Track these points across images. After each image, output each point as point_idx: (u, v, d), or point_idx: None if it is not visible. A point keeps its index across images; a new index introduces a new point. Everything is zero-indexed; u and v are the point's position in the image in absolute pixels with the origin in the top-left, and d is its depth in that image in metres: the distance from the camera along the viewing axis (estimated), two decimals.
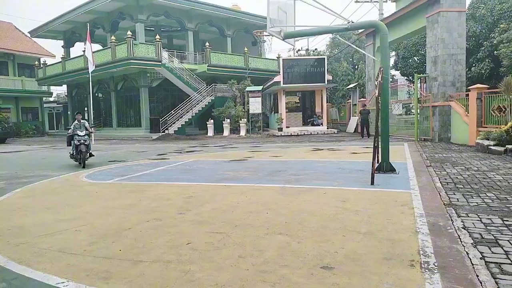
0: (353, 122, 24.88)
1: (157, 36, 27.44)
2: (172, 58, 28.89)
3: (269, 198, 6.30)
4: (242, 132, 25.66)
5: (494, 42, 18.99)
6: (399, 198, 5.91)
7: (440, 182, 7.12)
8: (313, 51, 34.23)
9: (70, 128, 11.65)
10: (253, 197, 6.44)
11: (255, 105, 25.38)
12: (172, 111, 27.37)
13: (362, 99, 23.91)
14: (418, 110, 17.03)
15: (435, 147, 13.55)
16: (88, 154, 11.48)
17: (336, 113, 30.71)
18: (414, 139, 16.81)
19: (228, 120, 26.04)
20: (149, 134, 27.10)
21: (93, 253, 3.96)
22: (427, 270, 3.21)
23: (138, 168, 10.74)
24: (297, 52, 32.39)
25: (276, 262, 3.52)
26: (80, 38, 34.43)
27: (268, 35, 11.14)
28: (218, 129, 26.86)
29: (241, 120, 25.96)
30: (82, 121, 11.63)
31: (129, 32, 25.97)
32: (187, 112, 27.33)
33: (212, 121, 26.58)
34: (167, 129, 26.19)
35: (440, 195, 6.03)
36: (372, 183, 7.08)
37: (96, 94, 33.42)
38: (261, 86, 26.81)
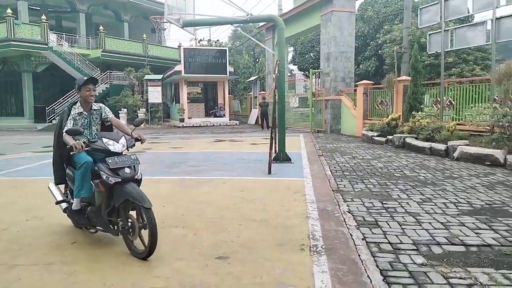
0: (254, 114, 25.48)
1: (43, 17, 24.84)
2: (61, 41, 26.44)
3: (168, 190, 6.10)
4: None
5: (379, 42, 20.91)
6: (293, 186, 6.18)
7: (330, 170, 7.63)
8: (215, 42, 34.13)
9: None
10: (150, 190, 6.13)
11: (155, 95, 24.52)
12: (60, 99, 25.06)
13: (262, 91, 24.58)
14: (313, 104, 18.08)
15: (327, 138, 14.52)
16: None
17: (238, 105, 31.16)
18: (309, 131, 17.81)
19: (125, 110, 24.68)
20: (34, 124, 24.54)
21: None
22: (315, 253, 3.39)
23: (18, 162, 9.61)
24: (199, 42, 31.96)
25: (171, 256, 3.41)
26: None
27: (167, 22, 10.79)
28: None
29: (139, 110, 24.84)
30: None
31: (9, 10, 23.04)
32: (78, 100, 25.22)
33: (125, 110, 24.48)
34: (54, 118, 23.92)
35: (329, 182, 6.45)
36: (269, 172, 7.31)
37: None
38: (161, 75, 25.99)
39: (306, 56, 29.17)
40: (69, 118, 3.89)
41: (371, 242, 3.69)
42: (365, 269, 3.05)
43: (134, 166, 3.52)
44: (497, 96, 8.87)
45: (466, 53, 16.84)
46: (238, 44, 40.41)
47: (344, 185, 6.26)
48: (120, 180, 3.36)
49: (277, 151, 8.76)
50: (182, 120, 24.23)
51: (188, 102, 24.96)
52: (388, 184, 6.25)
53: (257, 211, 4.77)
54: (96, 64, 27.51)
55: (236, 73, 29.98)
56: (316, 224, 4.20)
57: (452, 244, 3.62)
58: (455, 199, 5.24)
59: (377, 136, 12.25)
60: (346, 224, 4.20)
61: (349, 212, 4.70)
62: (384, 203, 5.09)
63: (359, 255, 3.34)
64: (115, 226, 3.54)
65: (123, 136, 3.69)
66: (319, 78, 18.62)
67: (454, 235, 3.84)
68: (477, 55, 17.21)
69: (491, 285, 2.80)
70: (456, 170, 7.33)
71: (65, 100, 24.83)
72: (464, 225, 4.13)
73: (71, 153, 3.69)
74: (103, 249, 3.63)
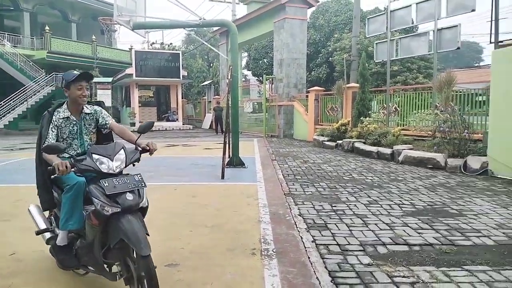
0: (208, 118, 25.33)
1: None
2: (3, 41, 24.91)
3: None
4: None
5: (330, 49, 21.57)
6: (246, 191, 6.19)
7: (283, 174, 7.73)
8: (168, 46, 33.63)
9: None
10: None
11: (104, 98, 23.68)
12: (1, 102, 23.56)
13: (216, 96, 24.50)
14: (267, 109, 18.27)
15: (280, 143, 14.71)
16: None
17: (192, 109, 30.84)
18: (263, 136, 17.95)
19: None
20: None
21: None
22: (266, 257, 3.40)
23: None
24: (151, 45, 31.37)
25: None
26: None
27: (117, 24, 10.48)
28: None
29: None
30: None
31: None
32: (21, 103, 23.89)
33: None
34: None
35: (281, 186, 6.53)
36: (223, 177, 7.28)
37: None
38: (111, 78, 25.20)
39: (260, 62, 29.49)
40: (50, 126, 2.97)
41: (321, 244, 3.77)
42: (314, 271, 3.10)
43: (138, 190, 2.60)
44: (438, 103, 9.41)
45: (410, 62, 17.78)
46: (192, 48, 40.07)
47: (296, 189, 6.35)
48: (119, 210, 2.46)
49: (230, 156, 8.75)
50: (133, 124, 23.53)
51: (139, 106, 24.37)
52: (337, 187, 6.42)
53: (209, 217, 4.73)
54: (41, 66, 26.16)
55: (190, 77, 29.71)
56: (267, 228, 4.23)
57: (396, 244, 3.77)
58: (400, 200, 5.48)
59: (328, 141, 12.58)
60: (296, 227, 4.26)
61: (300, 215, 4.77)
62: (334, 206, 5.22)
63: (308, 258, 3.39)
64: (112, 268, 2.79)
65: (123, 149, 2.76)
66: (272, 83, 18.85)
67: (398, 235, 4.01)
68: (420, 64, 18.23)
69: (432, 282, 2.94)
70: (401, 173, 7.67)
71: (6, 103, 23.35)
72: (408, 226, 4.32)
73: (52, 176, 2.81)
74: (46, 261, 3.42)
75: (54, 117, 3.00)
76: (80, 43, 29.16)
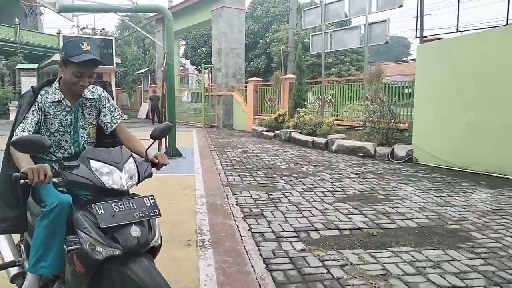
0: (144, 108, 24.53)
1: None
2: None
3: None
4: (13, 117, 21.89)
5: (268, 40, 21.75)
6: (183, 182, 6.09)
7: (221, 164, 7.71)
8: (100, 31, 31.90)
9: None
10: None
11: (29, 86, 22.03)
12: None
13: (153, 85, 23.74)
14: (206, 99, 18.07)
15: (220, 133, 14.66)
16: None
17: (127, 98, 29.66)
18: (202, 126, 17.76)
19: None
20: None
21: None
22: (202, 247, 3.38)
23: None
24: (81, 30, 29.55)
25: None
26: None
27: (41, 6, 9.69)
28: None
29: (10, 102, 22.05)
30: None
31: None
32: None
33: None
34: None
35: (220, 176, 6.51)
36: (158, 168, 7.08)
37: None
38: (37, 64, 23.43)
39: (199, 50, 29.03)
40: (31, 110, 2.07)
41: (256, 232, 3.82)
42: (249, 259, 3.14)
43: (149, 221, 1.76)
44: (368, 95, 9.89)
45: (343, 54, 18.47)
46: (126, 34, 38.39)
47: (234, 179, 6.37)
48: (119, 252, 1.63)
49: (167, 147, 8.55)
50: None
51: None
52: (274, 176, 6.54)
53: None
54: None
55: (124, 64, 28.51)
56: (204, 219, 4.20)
57: (328, 229, 3.92)
58: (332, 187, 5.71)
59: (266, 131, 12.75)
60: (233, 217, 4.28)
61: (237, 205, 4.80)
62: (270, 194, 5.31)
63: (244, 246, 3.42)
64: None
65: (132, 157, 1.90)
66: (211, 73, 18.65)
67: (330, 220, 4.18)
68: (353, 56, 19.00)
69: (360, 264, 3.10)
70: (334, 162, 7.99)
71: None
72: (339, 211, 4.52)
73: (21, 181, 1.67)
74: None
75: (39, 97, 2.10)
76: (1, 26, 26.74)
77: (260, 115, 14.86)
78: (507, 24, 7.14)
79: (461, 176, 6.56)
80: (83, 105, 2.24)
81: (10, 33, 26.87)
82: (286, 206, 4.75)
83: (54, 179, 1.70)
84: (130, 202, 1.72)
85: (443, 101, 7.30)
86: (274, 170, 7.12)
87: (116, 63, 23.21)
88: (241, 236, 3.68)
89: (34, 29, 30.11)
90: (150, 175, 1.96)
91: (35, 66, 22.92)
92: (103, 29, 33.50)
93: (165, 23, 8.57)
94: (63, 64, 2.11)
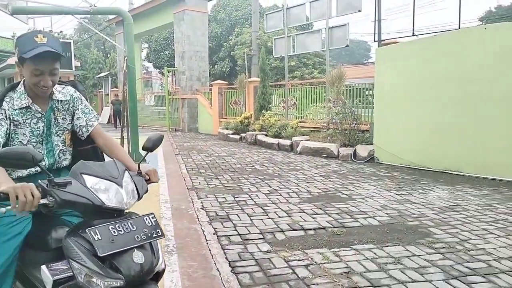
0: (106, 112, 23.88)
1: None
2: None
3: None
4: None
5: (231, 43, 21.77)
6: None
7: (186, 168, 7.62)
8: (58, 34, 30.84)
9: None
10: None
11: None
12: None
13: (114, 88, 23.20)
14: (170, 102, 17.82)
15: (185, 137, 14.49)
16: None
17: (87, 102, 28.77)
18: (166, 130, 17.50)
19: None
20: None
21: None
22: (166, 253, 3.32)
23: None
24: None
25: None
26: None
27: None
28: None
29: None
30: None
31: None
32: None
33: None
34: None
35: (185, 180, 6.44)
36: None
37: None
38: None
39: (161, 53, 28.62)
40: None
41: (222, 236, 3.80)
42: (215, 263, 3.12)
43: (151, 244, 1.52)
44: (331, 97, 10.09)
45: (306, 57, 18.77)
46: (86, 37, 37.29)
47: (199, 182, 6.31)
48: (122, 283, 1.38)
49: (129, 152, 8.35)
50: None
51: None
52: (240, 179, 6.54)
53: None
54: None
55: (84, 68, 27.72)
56: (168, 224, 4.13)
57: (294, 229, 3.96)
58: (297, 188, 5.78)
59: (232, 134, 12.73)
60: (199, 221, 4.23)
61: (203, 209, 4.75)
62: (236, 197, 5.31)
63: (209, 250, 3.39)
64: None
65: (126, 172, 1.65)
66: (175, 76, 18.44)
67: (295, 221, 4.22)
68: (315, 60, 19.35)
69: (324, 263, 3.15)
70: (299, 163, 8.09)
71: None
72: (304, 212, 4.58)
73: None
74: None
75: (5, 104, 1.82)
76: None
77: (226, 118, 14.82)
78: (459, 28, 7.51)
79: (421, 174, 6.82)
80: (55, 108, 1.95)
81: None
82: (252, 208, 4.76)
83: (42, 200, 1.41)
84: (129, 223, 1.48)
85: (402, 102, 7.56)
86: (240, 172, 7.12)
87: (75, 66, 22.42)
88: (207, 240, 3.65)
89: None
90: (146, 191, 1.74)
91: None
92: (61, 31, 32.41)
93: (124, 26, 8.38)
94: (20, 64, 1.80)
